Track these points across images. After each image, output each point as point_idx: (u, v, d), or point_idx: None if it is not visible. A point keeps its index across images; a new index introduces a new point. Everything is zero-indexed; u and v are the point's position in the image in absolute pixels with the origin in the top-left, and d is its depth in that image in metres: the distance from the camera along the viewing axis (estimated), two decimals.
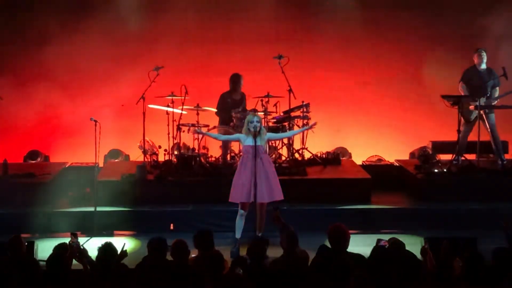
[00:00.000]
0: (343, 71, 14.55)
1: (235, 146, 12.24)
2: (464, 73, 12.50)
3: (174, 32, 14.31)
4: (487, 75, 12.32)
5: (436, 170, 12.28)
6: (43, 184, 11.84)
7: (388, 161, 13.74)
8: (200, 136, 11.95)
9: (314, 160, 13.00)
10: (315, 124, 10.40)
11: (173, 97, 12.28)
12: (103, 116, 11.63)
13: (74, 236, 7.56)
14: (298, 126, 12.50)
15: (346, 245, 7.42)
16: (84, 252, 7.40)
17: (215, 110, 12.61)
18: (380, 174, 12.77)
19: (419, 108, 14.45)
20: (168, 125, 12.45)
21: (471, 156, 12.38)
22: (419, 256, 7.41)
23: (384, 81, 14.57)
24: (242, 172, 9.84)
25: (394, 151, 14.09)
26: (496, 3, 14.13)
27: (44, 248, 8.90)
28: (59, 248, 7.44)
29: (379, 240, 7.82)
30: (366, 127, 14.52)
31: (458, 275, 6.88)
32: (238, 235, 9.93)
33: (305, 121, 12.38)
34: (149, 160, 12.64)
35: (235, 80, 12.62)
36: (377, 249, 7.53)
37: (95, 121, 10.89)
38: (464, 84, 12.43)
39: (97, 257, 7.15)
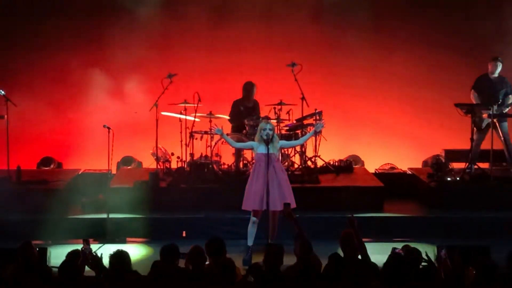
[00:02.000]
0: (356, 79, 14.51)
1: (247, 154, 12.24)
2: (476, 81, 12.47)
3: (187, 40, 14.35)
4: (499, 83, 12.29)
5: (449, 179, 12.26)
6: (56, 191, 11.88)
7: (401, 169, 13.71)
8: (213, 143, 12.00)
9: (327, 168, 12.99)
10: (322, 122, 10.36)
11: (186, 105, 12.30)
12: (116, 123, 11.67)
13: (87, 242, 7.56)
14: None
15: (358, 252, 7.39)
16: (96, 258, 7.40)
17: (228, 117, 12.63)
18: (393, 182, 12.75)
19: (432, 116, 14.42)
20: (181, 132, 12.46)
21: (484, 165, 12.34)
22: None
23: (397, 89, 14.54)
24: (254, 179, 9.83)
25: (407, 159, 14.07)
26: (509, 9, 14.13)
27: (57, 255, 8.93)
28: (71, 255, 7.45)
29: (394, 249, 7.79)
30: (379, 135, 14.49)
31: (471, 284, 6.85)
32: (250, 242, 9.92)
33: (315, 119, 12.25)
34: (161, 167, 12.65)
35: (248, 88, 12.64)
36: (393, 256, 7.48)
37: (108, 128, 10.92)
38: (475, 92, 12.41)
39: (110, 264, 7.15)
